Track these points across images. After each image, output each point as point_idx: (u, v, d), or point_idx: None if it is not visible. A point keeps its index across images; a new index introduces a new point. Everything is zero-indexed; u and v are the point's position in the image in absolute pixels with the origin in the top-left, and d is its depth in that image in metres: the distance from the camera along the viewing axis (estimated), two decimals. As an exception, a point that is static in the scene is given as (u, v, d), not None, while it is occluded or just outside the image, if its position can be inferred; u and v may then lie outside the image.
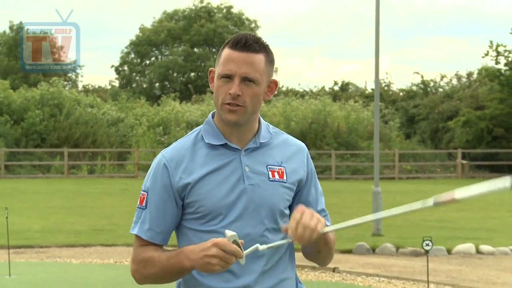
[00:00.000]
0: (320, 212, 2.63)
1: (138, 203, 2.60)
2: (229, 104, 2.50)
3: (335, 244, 2.69)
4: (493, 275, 10.20)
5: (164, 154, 2.58)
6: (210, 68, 2.61)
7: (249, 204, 2.49)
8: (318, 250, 2.60)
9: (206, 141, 2.56)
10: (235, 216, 2.49)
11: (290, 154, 2.61)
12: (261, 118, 2.64)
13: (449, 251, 12.12)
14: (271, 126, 2.66)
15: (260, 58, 2.52)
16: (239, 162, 2.54)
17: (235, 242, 2.32)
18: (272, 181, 2.54)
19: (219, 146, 2.55)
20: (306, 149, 2.69)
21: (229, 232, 2.33)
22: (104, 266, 10.74)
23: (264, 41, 2.56)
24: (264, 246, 2.41)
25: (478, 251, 12.24)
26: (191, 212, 2.54)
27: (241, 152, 2.55)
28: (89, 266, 10.73)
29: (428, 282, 8.72)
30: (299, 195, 2.64)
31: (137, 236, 2.59)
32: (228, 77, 2.50)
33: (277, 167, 2.56)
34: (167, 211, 2.54)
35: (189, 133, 2.64)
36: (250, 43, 2.50)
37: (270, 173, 2.55)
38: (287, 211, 2.59)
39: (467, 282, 9.62)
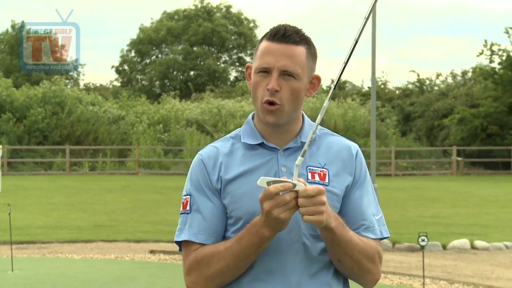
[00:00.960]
0: (361, 223, 2.36)
1: (181, 208, 2.39)
2: (267, 103, 2.28)
3: (372, 260, 2.33)
4: (488, 270, 10.28)
5: (201, 153, 2.39)
6: (247, 64, 2.40)
7: None
8: (336, 258, 2.31)
9: (243, 141, 2.36)
10: None
11: (335, 157, 2.37)
12: (306, 118, 2.44)
13: (444, 247, 12.21)
14: (319, 126, 2.37)
15: (301, 50, 2.31)
16: (276, 162, 2.33)
17: (271, 182, 2.12)
18: (311, 183, 2.24)
19: (256, 145, 2.35)
20: (359, 151, 2.44)
21: (257, 181, 2.14)
22: (105, 262, 10.80)
23: (305, 33, 2.34)
24: (299, 158, 2.18)
25: (473, 247, 12.35)
26: (227, 217, 2.34)
27: (279, 152, 2.34)
28: (90, 262, 10.79)
29: (423, 277, 8.75)
30: (342, 201, 2.36)
31: (187, 243, 2.34)
32: (265, 71, 2.29)
33: (319, 169, 2.32)
34: (214, 210, 2.33)
35: (228, 134, 2.46)
36: (289, 34, 2.29)
37: (309, 174, 2.30)
38: None
39: (462, 277, 9.66)
